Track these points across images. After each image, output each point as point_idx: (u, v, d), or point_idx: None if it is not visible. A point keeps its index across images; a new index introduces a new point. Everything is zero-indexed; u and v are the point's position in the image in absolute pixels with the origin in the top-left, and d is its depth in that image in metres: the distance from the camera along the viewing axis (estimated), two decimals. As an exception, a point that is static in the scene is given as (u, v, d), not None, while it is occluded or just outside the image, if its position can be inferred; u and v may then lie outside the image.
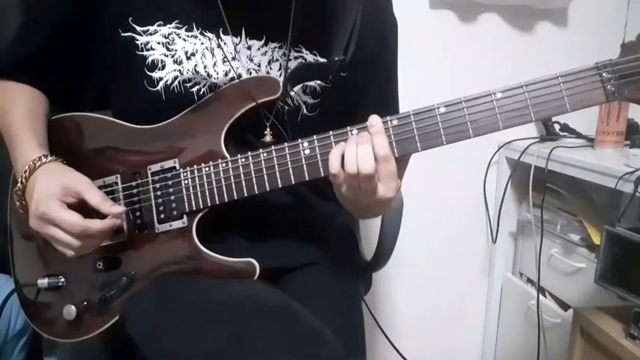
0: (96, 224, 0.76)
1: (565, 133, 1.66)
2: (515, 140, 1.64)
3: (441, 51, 1.63)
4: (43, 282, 0.85)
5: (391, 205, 0.78)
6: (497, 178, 1.73)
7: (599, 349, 1.17)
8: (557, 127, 1.67)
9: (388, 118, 0.74)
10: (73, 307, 0.82)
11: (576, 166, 1.36)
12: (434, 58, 1.62)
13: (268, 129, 0.82)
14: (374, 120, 0.73)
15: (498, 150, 1.69)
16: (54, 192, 0.76)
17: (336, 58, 0.81)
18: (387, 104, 0.93)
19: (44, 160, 0.79)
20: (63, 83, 0.89)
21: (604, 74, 0.70)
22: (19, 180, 0.79)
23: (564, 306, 1.50)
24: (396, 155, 0.74)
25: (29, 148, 0.81)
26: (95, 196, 0.77)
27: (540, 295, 1.54)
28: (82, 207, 0.77)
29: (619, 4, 1.67)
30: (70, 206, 0.76)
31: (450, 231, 1.75)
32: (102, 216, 0.78)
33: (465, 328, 1.85)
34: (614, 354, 1.12)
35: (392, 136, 0.74)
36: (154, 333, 0.76)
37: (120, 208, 0.79)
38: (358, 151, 0.71)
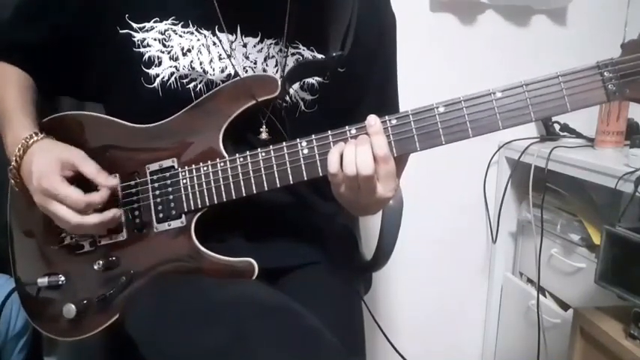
0: (95, 197, 0.78)
1: (565, 133, 1.66)
2: (515, 140, 1.64)
3: (442, 53, 1.63)
4: (42, 281, 0.86)
5: (389, 203, 0.78)
6: (497, 178, 1.73)
7: (599, 349, 1.17)
8: (557, 127, 1.67)
9: (387, 117, 0.74)
10: (73, 306, 0.82)
11: (576, 166, 1.36)
12: (435, 60, 1.62)
13: (264, 126, 0.82)
14: (372, 120, 0.73)
15: (498, 150, 1.69)
16: (53, 167, 0.77)
17: (334, 54, 0.81)
18: (387, 102, 0.93)
19: (35, 137, 0.81)
20: (59, 76, 0.90)
21: (605, 73, 0.70)
22: (13, 159, 0.81)
23: (564, 306, 1.50)
24: (395, 155, 0.74)
25: (21, 127, 0.82)
26: (90, 168, 0.80)
27: (540, 295, 1.53)
28: (79, 179, 0.79)
29: (619, 4, 1.67)
30: (69, 180, 0.78)
31: (450, 231, 1.75)
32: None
33: (465, 327, 1.85)
34: (614, 354, 1.12)
35: (391, 135, 0.74)
36: (153, 333, 0.76)
37: (114, 181, 0.80)
38: (357, 152, 0.71)
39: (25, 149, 0.80)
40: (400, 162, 0.76)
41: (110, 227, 0.82)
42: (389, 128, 0.74)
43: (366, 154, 0.71)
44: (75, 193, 0.77)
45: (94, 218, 0.79)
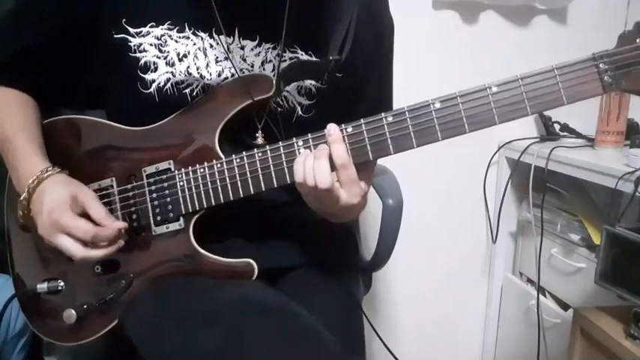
0: (105, 230, 0.77)
1: (565, 133, 1.66)
2: (515, 140, 1.64)
3: (444, 52, 1.63)
4: (42, 286, 0.85)
5: (360, 210, 0.79)
6: (497, 178, 1.73)
7: (599, 349, 1.17)
8: (557, 127, 1.67)
9: (383, 114, 0.74)
10: (73, 311, 0.81)
11: (576, 166, 1.36)
12: (437, 58, 1.62)
13: (260, 132, 0.82)
14: (332, 129, 0.74)
15: (498, 150, 1.69)
16: (65, 200, 0.77)
17: (331, 57, 0.81)
18: (382, 104, 0.93)
19: (51, 171, 0.80)
20: (56, 84, 0.88)
21: (601, 65, 0.69)
22: (26, 190, 0.79)
23: (564, 306, 1.50)
24: (392, 153, 0.74)
25: (34, 162, 0.81)
26: (99, 211, 0.78)
27: (540, 295, 1.53)
28: (86, 218, 0.78)
29: (619, 4, 1.67)
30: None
31: (450, 231, 1.75)
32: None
33: (465, 328, 1.85)
34: (614, 354, 1.12)
35: (387, 133, 0.73)
36: (152, 334, 0.76)
37: (121, 224, 0.79)
38: (314, 165, 0.72)
39: (39, 182, 0.79)
40: (365, 168, 0.76)
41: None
42: (385, 125, 0.74)
43: (323, 167, 0.72)
44: (85, 224, 0.76)
45: (100, 252, 0.78)
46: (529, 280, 1.70)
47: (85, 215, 0.78)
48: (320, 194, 0.73)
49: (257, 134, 0.82)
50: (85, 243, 0.77)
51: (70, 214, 0.76)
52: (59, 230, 0.76)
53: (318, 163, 0.72)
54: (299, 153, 0.76)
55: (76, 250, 0.77)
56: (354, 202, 0.75)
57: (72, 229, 0.76)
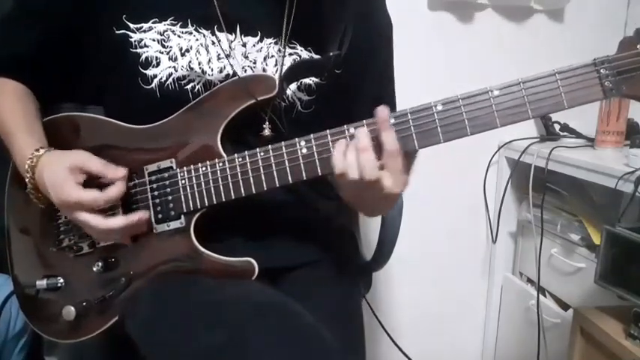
0: (112, 192, 0.77)
1: (565, 133, 1.66)
2: (515, 140, 1.64)
3: (440, 52, 1.63)
4: (41, 283, 0.85)
5: (395, 200, 0.78)
6: (497, 178, 1.73)
7: (599, 349, 1.17)
8: (557, 127, 1.67)
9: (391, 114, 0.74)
10: (73, 308, 0.81)
11: (576, 166, 1.36)
12: (432, 59, 1.62)
13: (267, 123, 0.82)
14: (384, 114, 0.72)
15: (498, 150, 1.69)
16: (64, 176, 0.77)
17: (331, 53, 0.81)
18: (383, 102, 0.93)
19: (37, 153, 0.80)
20: (56, 81, 0.89)
21: (602, 70, 0.70)
22: (27, 180, 0.80)
23: (564, 306, 1.50)
24: None
25: (23, 147, 0.82)
26: (96, 165, 0.79)
27: (540, 295, 1.54)
28: (93, 180, 0.79)
29: (619, 4, 1.67)
30: (85, 183, 0.78)
31: (450, 231, 1.75)
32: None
33: (465, 328, 1.85)
34: (614, 354, 1.12)
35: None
36: (152, 333, 0.76)
37: (122, 171, 0.79)
38: (360, 158, 0.71)
39: (32, 169, 0.80)
40: (410, 156, 0.76)
41: (139, 230, 0.81)
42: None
43: (369, 160, 0.71)
44: (89, 195, 0.76)
45: (118, 221, 0.78)
46: (529, 280, 1.70)
47: (90, 177, 0.78)
48: (364, 185, 0.72)
49: (264, 125, 0.82)
50: (104, 210, 0.78)
51: (72, 187, 0.76)
52: (72, 209, 0.77)
53: (364, 156, 0.71)
54: (300, 152, 0.76)
55: (97, 222, 0.77)
56: (397, 190, 0.73)
57: (81, 203, 0.76)
